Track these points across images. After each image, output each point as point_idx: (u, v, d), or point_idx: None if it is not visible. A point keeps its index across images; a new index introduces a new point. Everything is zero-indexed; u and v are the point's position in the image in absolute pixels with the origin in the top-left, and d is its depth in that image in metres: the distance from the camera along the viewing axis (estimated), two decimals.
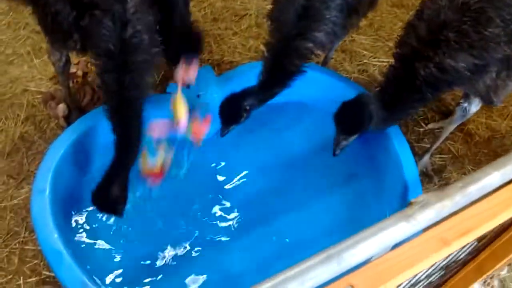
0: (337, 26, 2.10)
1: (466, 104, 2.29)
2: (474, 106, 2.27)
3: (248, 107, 2.16)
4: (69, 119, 2.59)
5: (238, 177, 2.46)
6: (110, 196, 1.97)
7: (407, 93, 2.04)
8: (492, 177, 1.05)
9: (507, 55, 1.91)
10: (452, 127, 2.41)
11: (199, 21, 3.32)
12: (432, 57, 1.92)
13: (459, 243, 1.01)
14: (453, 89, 2.22)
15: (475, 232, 1.02)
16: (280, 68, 2.14)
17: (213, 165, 2.51)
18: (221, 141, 2.47)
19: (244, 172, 2.47)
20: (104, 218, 2.24)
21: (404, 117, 2.27)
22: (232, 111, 2.16)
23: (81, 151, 2.28)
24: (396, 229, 0.96)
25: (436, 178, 2.59)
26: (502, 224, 1.29)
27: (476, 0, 1.87)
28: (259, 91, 2.16)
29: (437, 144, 2.49)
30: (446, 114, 2.81)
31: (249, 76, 2.57)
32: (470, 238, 1.04)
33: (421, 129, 2.80)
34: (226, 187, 2.44)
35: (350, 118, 2.08)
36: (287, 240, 2.27)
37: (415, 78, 1.97)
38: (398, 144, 2.28)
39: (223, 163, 2.51)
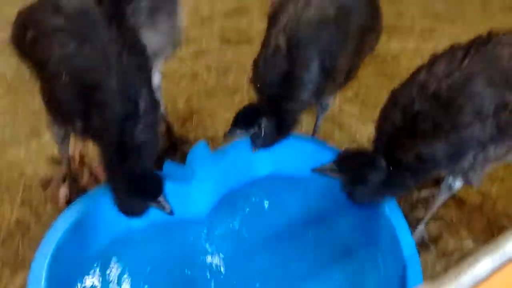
0: (316, 86, 2.23)
1: (450, 181, 2.35)
2: (459, 182, 2.31)
3: (261, 124, 2.26)
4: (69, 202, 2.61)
5: (229, 256, 2.44)
6: None
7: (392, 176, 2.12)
8: (484, 264, 1.08)
9: (482, 140, 1.99)
10: (440, 201, 2.45)
11: (193, 98, 3.45)
12: (409, 146, 2.01)
13: None
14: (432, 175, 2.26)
15: None
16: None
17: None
18: (215, 218, 2.50)
19: (235, 251, 2.45)
20: None
21: (390, 195, 2.30)
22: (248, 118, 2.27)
23: (79, 235, 2.28)
24: None
25: (432, 247, 2.59)
26: None
27: (446, 88, 1.96)
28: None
29: (429, 215, 2.52)
30: (438, 179, 2.87)
31: (244, 150, 2.66)
32: None
33: (414, 198, 2.84)
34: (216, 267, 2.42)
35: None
36: None
37: (396, 164, 2.06)
38: (393, 217, 2.30)
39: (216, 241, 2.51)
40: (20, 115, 3.26)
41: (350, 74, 2.50)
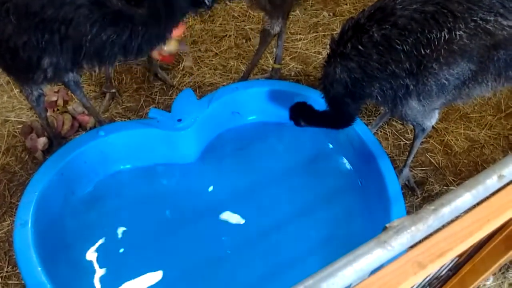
0: None
1: (419, 121, 2.31)
2: (428, 120, 2.27)
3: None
4: (49, 151, 2.58)
5: (222, 200, 2.46)
6: None
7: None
8: (463, 198, 1.08)
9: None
10: (417, 143, 2.44)
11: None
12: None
13: (434, 266, 1.03)
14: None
15: (449, 253, 1.04)
16: None
17: (198, 189, 2.51)
18: (205, 167, 2.51)
19: (228, 195, 2.48)
20: (89, 250, 2.23)
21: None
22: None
23: (64, 181, 2.27)
24: (372, 256, 0.97)
25: (418, 191, 2.62)
26: (480, 240, 1.32)
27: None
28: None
29: (411, 157, 2.52)
30: None
31: (230, 97, 2.63)
32: (445, 260, 1.06)
33: (402, 143, 2.84)
34: (212, 210, 2.44)
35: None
36: (273, 260, 2.27)
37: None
38: (380, 158, 2.32)
39: (210, 188, 2.52)
40: None
41: None
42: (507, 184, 1.13)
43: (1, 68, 2.17)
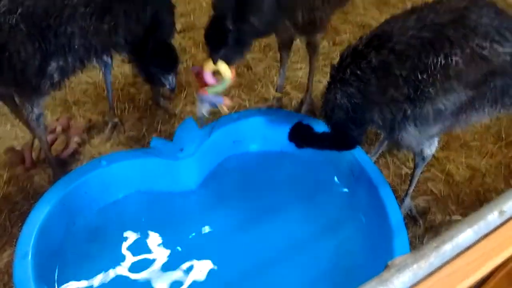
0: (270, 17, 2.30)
1: (421, 150, 2.32)
2: (427, 147, 2.28)
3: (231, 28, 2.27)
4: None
5: (222, 228, 2.45)
6: None
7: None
8: (465, 234, 1.08)
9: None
10: (418, 172, 2.44)
11: (181, 73, 3.40)
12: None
13: None
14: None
15: None
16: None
17: (198, 217, 2.51)
18: (205, 195, 2.51)
19: (228, 224, 2.46)
20: (89, 282, 2.21)
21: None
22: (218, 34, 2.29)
23: (65, 211, 2.27)
24: None
25: (421, 220, 2.60)
26: (482, 276, 1.31)
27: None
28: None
29: (412, 186, 2.52)
30: None
31: (232, 126, 2.65)
32: None
33: (403, 172, 2.84)
34: (211, 239, 2.43)
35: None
36: None
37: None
38: (381, 188, 2.31)
39: (211, 216, 2.51)
40: None
41: (315, 22, 2.52)
42: (508, 219, 1.13)
43: (8, 82, 2.20)
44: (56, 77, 2.23)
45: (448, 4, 2.01)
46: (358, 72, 2.01)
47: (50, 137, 2.78)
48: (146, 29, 2.46)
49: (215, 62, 2.33)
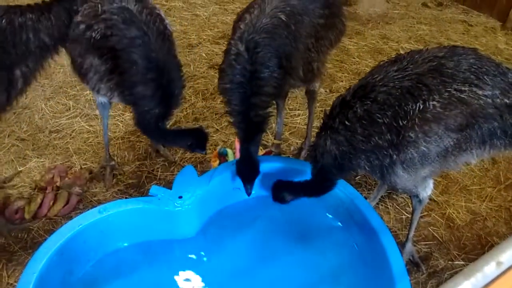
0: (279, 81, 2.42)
1: (416, 193, 2.36)
2: (422, 190, 2.32)
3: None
4: None
5: (221, 276, 2.41)
6: None
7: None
8: (462, 287, 1.07)
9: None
10: (416, 215, 2.46)
11: (182, 121, 3.46)
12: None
13: None
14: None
15: None
16: (250, 121, 2.42)
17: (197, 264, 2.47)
18: (204, 242, 2.48)
19: (227, 271, 2.43)
20: None
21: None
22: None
23: (63, 261, 2.24)
24: None
25: (423, 266, 2.57)
26: None
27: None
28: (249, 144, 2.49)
29: (412, 231, 2.52)
30: None
31: (231, 173, 2.65)
32: None
33: (404, 217, 2.83)
34: (210, 286, 2.38)
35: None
36: None
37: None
38: (382, 233, 2.29)
39: (209, 263, 2.48)
40: (7, 141, 3.24)
41: (313, 71, 2.66)
42: (506, 270, 1.13)
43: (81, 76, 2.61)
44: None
45: (427, 54, 2.11)
46: (346, 122, 2.11)
47: (49, 196, 2.79)
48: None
49: (249, 195, 2.56)
